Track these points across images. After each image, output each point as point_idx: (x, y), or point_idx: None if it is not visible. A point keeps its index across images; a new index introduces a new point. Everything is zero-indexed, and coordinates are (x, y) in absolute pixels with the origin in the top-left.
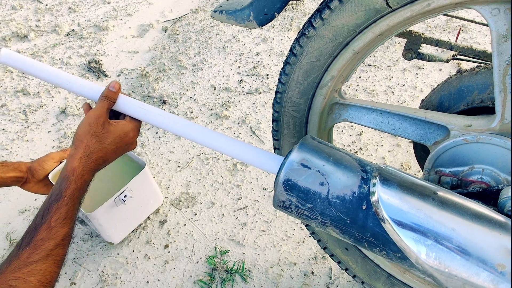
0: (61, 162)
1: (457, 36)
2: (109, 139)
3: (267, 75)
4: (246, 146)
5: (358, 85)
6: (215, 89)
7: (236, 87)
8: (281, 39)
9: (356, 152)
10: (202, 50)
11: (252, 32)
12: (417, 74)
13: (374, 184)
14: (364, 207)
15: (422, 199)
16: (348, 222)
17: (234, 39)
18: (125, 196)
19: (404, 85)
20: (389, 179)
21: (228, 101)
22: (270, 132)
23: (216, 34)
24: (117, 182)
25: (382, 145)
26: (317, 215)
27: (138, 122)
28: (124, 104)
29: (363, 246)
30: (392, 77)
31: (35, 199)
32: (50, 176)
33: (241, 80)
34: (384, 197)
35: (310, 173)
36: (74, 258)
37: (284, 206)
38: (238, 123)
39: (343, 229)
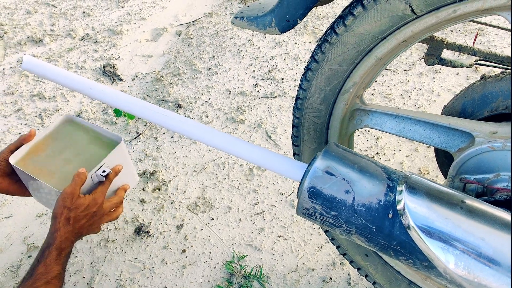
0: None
1: (475, 40)
2: (79, 209)
3: (282, 79)
4: (268, 153)
5: (374, 89)
6: (230, 93)
7: (251, 91)
8: (296, 43)
9: (373, 157)
10: (217, 54)
11: (266, 35)
12: (434, 78)
13: (401, 192)
14: (390, 216)
15: (450, 207)
16: (374, 230)
17: (249, 43)
18: (104, 171)
19: (421, 89)
20: (415, 187)
21: (243, 105)
22: (286, 136)
23: (230, 38)
24: (91, 160)
25: (400, 150)
26: (342, 223)
27: (101, 193)
28: (70, 81)
29: (389, 255)
30: (408, 81)
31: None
32: (11, 160)
33: (256, 84)
34: (411, 206)
35: (335, 180)
36: (91, 263)
37: (308, 213)
38: (254, 127)
39: (368, 237)
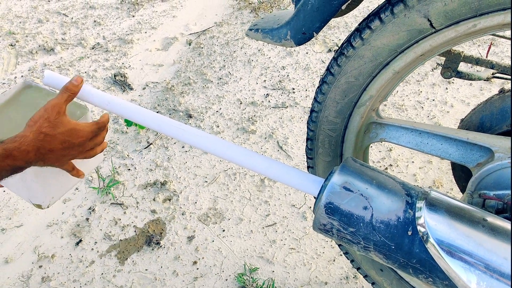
0: None
1: (488, 50)
2: (60, 129)
3: (293, 89)
4: (285, 167)
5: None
6: (241, 103)
7: (262, 101)
8: (307, 53)
9: (386, 169)
10: (227, 63)
11: (277, 45)
12: (447, 88)
13: (420, 209)
14: (409, 233)
15: (471, 225)
16: (393, 247)
17: (259, 53)
18: None
19: (433, 100)
20: (435, 204)
21: (254, 116)
22: (297, 147)
23: (241, 48)
24: None
25: (413, 162)
26: (359, 239)
27: (96, 127)
28: (87, 94)
29: (408, 272)
30: (421, 91)
31: (63, 213)
32: None
33: (267, 94)
34: (431, 223)
35: (353, 196)
36: (102, 274)
37: (325, 229)
38: (265, 137)
39: (387, 255)
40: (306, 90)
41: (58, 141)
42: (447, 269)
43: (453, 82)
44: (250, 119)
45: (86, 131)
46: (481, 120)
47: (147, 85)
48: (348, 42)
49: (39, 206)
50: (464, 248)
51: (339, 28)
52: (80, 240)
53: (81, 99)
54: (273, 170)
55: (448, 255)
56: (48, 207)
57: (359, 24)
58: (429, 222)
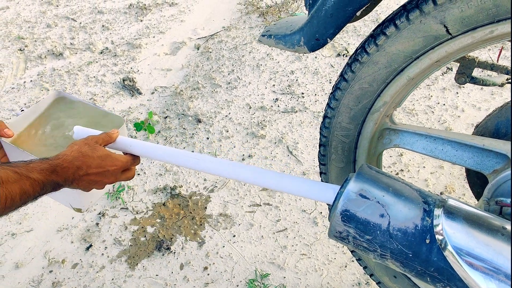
0: None
1: (499, 55)
2: (98, 152)
3: (303, 93)
4: (298, 180)
5: None
6: (250, 107)
7: (272, 106)
8: (316, 57)
9: (397, 174)
10: (236, 68)
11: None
12: (457, 93)
13: (438, 217)
14: (427, 241)
15: (490, 234)
16: (410, 255)
17: (268, 57)
18: None
19: (444, 104)
20: (453, 212)
21: (263, 120)
22: (307, 152)
23: (250, 52)
24: None
25: (424, 167)
26: (376, 247)
27: (131, 158)
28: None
29: (425, 281)
30: (431, 96)
31: (73, 217)
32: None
33: (276, 98)
34: (450, 231)
35: (369, 204)
36: (112, 279)
37: (341, 237)
38: (275, 142)
39: (404, 263)
40: (316, 94)
41: (94, 164)
42: (466, 277)
43: (463, 87)
44: (260, 124)
45: (120, 160)
46: (496, 126)
47: (155, 90)
48: (363, 48)
49: (79, 210)
50: (484, 257)
51: (347, 33)
52: (90, 245)
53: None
54: (287, 184)
55: (467, 263)
56: (86, 210)
57: (374, 30)
58: (447, 230)
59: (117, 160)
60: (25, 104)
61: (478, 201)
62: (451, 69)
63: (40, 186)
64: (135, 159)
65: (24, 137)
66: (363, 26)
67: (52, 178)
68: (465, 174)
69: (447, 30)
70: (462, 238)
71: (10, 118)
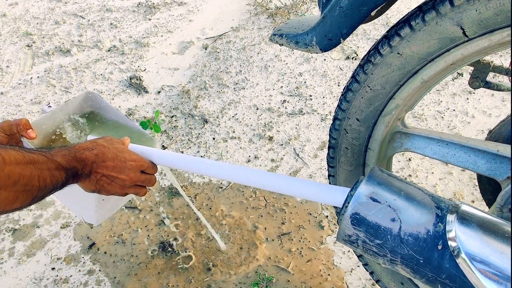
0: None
1: None
2: (115, 145)
3: (311, 96)
4: (307, 183)
5: None
6: (257, 109)
7: (279, 108)
8: (324, 59)
9: (405, 179)
10: (244, 68)
11: (294, 51)
12: (467, 99)
13: (451, 223)
14: (439, 247)
15: (505, 241)
16: (422, 261)
17: (276, 58)
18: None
19: (454, 110)
20: (467, 218)
21: (271, 122)
22: (314, 154)
23: (258, 53)
24: None
25: (433, 172)
26: (386, 252)
27: (148, 161)
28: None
29: None
30: (441, 101)
31: (75, 215)
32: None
33: (284, 100)
34: (463, 238)
35: (380, 207)
36: (115, 278)
37: (350, 240)
38: (282, 144)
39: (415, 269)
40: (324, 97)
41: (111, 154)
42: (478, 285)
43: (474, 92)
44: (267, 125)
45: (139, 157)
46: (511, 132)
47: (162, 89)
48: (376, 49)
49: (90, 225)
50: (498, 265)
51: (357, 35)
52: (93, 243)
53: None
54: (296, 187)
55: (480, 271)
56: (98, 224)
57: (388, 31)
58: (460, 236)
59: (135, 155)
60: (31, 100)
61: (489, 208)
62: (461, 74)
63: (64, 171)
64: (154, 165)
65: (46, 140)
66: (373, 30)
67: (73, 164)
68: (475, 180)
69: (464, 32)
70: (476, 245)
71: (39, 112)
